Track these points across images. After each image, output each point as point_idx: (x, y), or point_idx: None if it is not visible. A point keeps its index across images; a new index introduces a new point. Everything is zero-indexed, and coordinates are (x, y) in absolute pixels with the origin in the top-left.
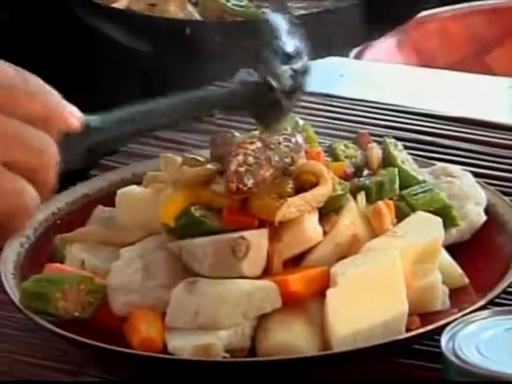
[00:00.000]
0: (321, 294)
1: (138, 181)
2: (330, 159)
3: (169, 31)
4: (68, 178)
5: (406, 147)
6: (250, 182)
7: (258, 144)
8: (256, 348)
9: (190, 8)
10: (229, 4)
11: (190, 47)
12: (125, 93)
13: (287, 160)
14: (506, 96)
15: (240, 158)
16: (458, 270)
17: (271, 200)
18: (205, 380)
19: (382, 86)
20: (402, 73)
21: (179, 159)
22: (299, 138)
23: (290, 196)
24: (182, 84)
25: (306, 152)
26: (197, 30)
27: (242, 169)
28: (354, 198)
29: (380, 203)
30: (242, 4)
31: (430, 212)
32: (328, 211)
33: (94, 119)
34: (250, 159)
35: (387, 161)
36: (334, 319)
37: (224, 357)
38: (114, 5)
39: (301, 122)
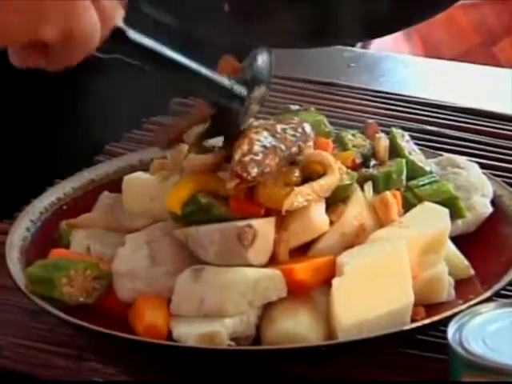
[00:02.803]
0: (327, 284)
1: (144, 167)
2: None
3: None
4: (74, 164)
5: (412, 138)
6: (254, 171)
7: (264, 133)
8: (261, 336)
9: None
10: None
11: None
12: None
13: (294, 149)
14: None
15: (245, 147)
16: (464, 261)
17: (278, 189)
18: (209, 368)
19: (389, 77)
20: (409, 63)
21: (186, 146)
22: (307, 128)
23: (296, 185)
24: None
25: (315, 142)
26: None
27: (246, 158)
28: (361, 188)
29: (387, 193)
30: None
31: (436, 203)
32: (335, 201)
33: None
34: (256, 148)
35: (394, 151)
36: (340, 309)
37: (229, 345)
38: None
39: (317, 116)
